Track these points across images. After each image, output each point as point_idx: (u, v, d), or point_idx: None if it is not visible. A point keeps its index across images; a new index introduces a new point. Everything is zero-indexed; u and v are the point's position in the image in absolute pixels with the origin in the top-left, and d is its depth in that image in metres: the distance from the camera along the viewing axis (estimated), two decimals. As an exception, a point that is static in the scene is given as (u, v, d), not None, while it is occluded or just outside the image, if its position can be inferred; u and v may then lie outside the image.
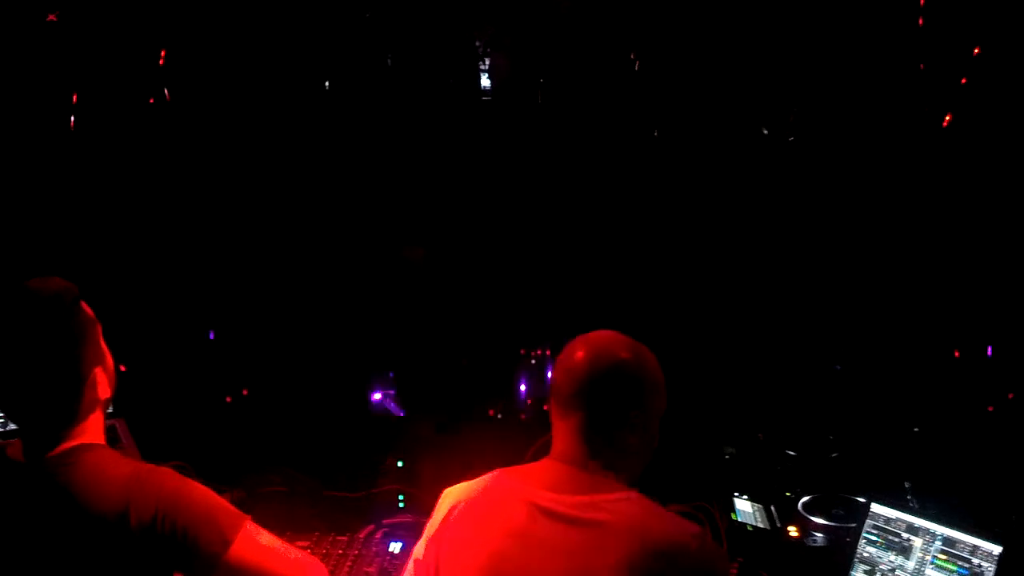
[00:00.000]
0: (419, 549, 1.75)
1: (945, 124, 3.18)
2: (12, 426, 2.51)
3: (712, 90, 3.61)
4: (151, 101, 3.42)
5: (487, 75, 3.87)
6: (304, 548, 2.41)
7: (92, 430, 1.65)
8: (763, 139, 3.60)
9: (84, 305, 1.65)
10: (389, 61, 3.78)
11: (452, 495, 1.74)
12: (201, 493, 1.61)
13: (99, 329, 1.67)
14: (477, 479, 1.72)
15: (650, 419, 1.66)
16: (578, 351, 1.65)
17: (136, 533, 1.50)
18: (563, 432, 1.65)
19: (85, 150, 3.35)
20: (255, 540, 1.64)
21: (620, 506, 1.52)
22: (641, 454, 1.67)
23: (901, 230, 3.37)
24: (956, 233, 3.26)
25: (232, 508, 1.64)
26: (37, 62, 3.21)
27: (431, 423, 3.35)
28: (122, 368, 3.11)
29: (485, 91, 3.87)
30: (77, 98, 3.31)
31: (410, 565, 1.77)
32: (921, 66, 3.21)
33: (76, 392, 1.60)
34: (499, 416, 3.59)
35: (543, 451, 1.72)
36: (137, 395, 3.28)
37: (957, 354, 3.25)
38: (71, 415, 1.60)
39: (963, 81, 3.17)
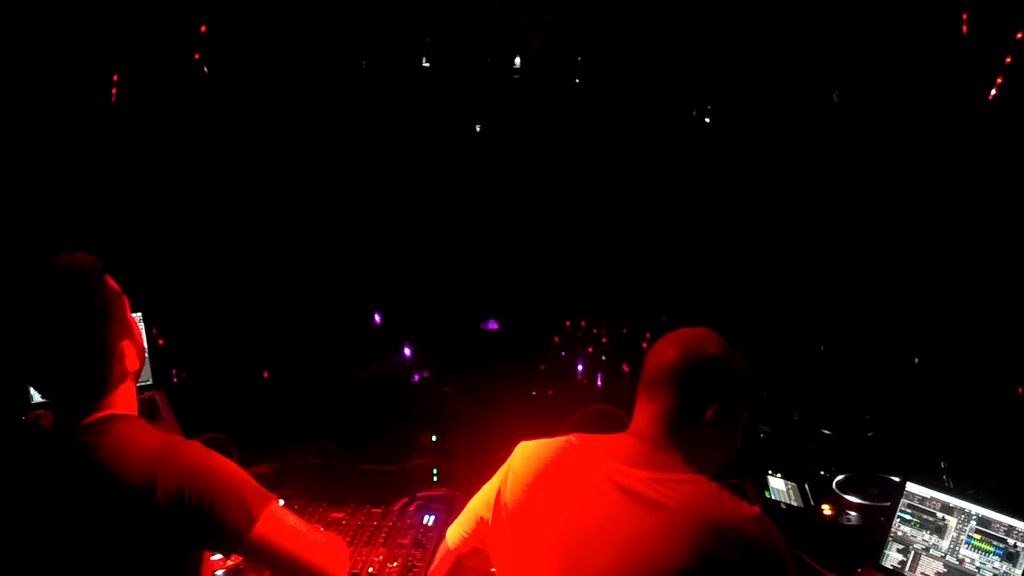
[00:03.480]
0: (484, 499, 1.79)
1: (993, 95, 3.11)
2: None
3: (757, 68, 3.55)
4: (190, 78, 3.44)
5: (525, 53, 3.85)
6: (339, 519, 2.47)
7: (122, 401, 1.66)
8: (801, 119, 3.54)
9: (109, 279, 1.66)
10: (427, 38, 3.78)
11: (529, 453, 1.75)
12: (229, 468, 1.63)
13: (125, 302, 1.68)
14: (554, 440, 1.75)
15: (731, 416, 1.69)
16: (672, 340, 1.71)
17: (163, 504, 1.51)
18: (645, 413, 1.70)
19: (122, 126, 3.38)
20: (280, 520, 1.66)
21: (685, 488, 1.54)
22: (718, 449, 1.71)
23: (934, 210, 3.31)
24: (992, 214, 3.20)
25: (259, 486, 1.65)
26: (78, 37, 3.24)
27: (466, 398, 3.38)
28: (160, 342, 3.19)
29: (522, 69, 3.85)
30: (118, 76, 3.33)
31: (467, 516, 1.83)
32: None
33: (103, 365, 1.61)
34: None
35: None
36: (177, 368, 3.37)
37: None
38: (99, 388, 1.62)
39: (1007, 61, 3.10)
